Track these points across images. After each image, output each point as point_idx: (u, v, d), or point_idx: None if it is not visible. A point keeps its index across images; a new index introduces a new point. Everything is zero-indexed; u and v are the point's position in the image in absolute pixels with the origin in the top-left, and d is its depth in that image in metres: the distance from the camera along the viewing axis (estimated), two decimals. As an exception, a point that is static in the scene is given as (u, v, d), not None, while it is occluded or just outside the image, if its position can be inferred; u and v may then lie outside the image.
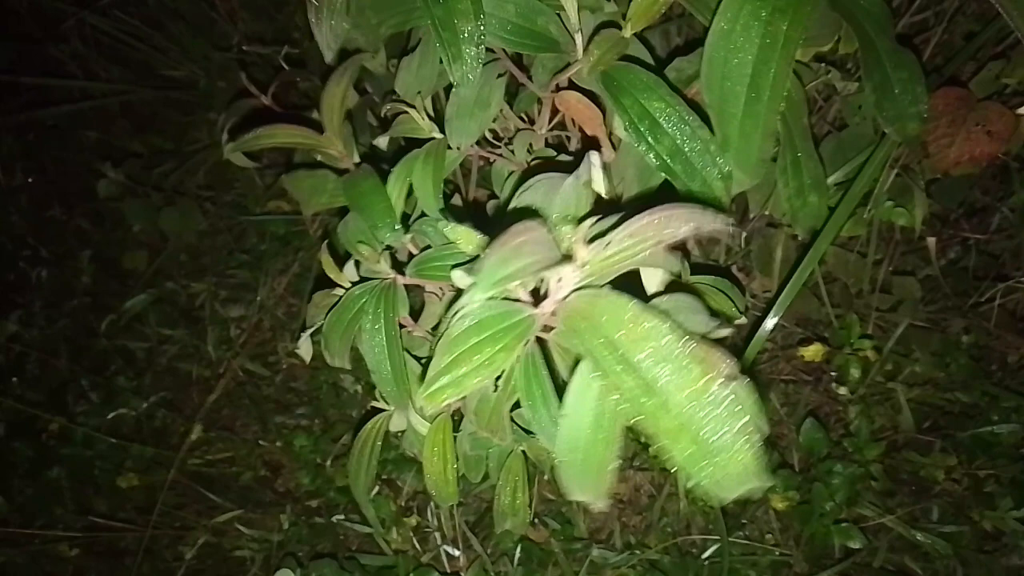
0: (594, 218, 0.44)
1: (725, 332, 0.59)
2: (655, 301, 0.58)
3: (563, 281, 0.43)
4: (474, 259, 0.58)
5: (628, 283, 0.44)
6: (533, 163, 0.93)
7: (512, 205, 0.55)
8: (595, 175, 0.48)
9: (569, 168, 0.54)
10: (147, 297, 1.70)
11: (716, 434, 0.36)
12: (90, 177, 1.73)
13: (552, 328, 0.46)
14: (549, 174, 0.54)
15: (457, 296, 0.61)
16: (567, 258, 0.42)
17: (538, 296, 0.47)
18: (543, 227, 0.41)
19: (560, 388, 0.59)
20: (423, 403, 0.42)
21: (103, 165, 1.69)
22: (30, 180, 1.91)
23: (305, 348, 0.90)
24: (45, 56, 1.82)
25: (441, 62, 0.69)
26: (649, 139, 0.66)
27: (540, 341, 0.55)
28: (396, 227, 0.79)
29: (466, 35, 0.67)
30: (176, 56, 1.78)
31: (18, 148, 1.90)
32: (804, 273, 0.90)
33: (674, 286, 0.68)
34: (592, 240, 0.43)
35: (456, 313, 0.43)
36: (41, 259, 1.82)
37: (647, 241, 0.40)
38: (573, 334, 0.40)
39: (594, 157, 0.49)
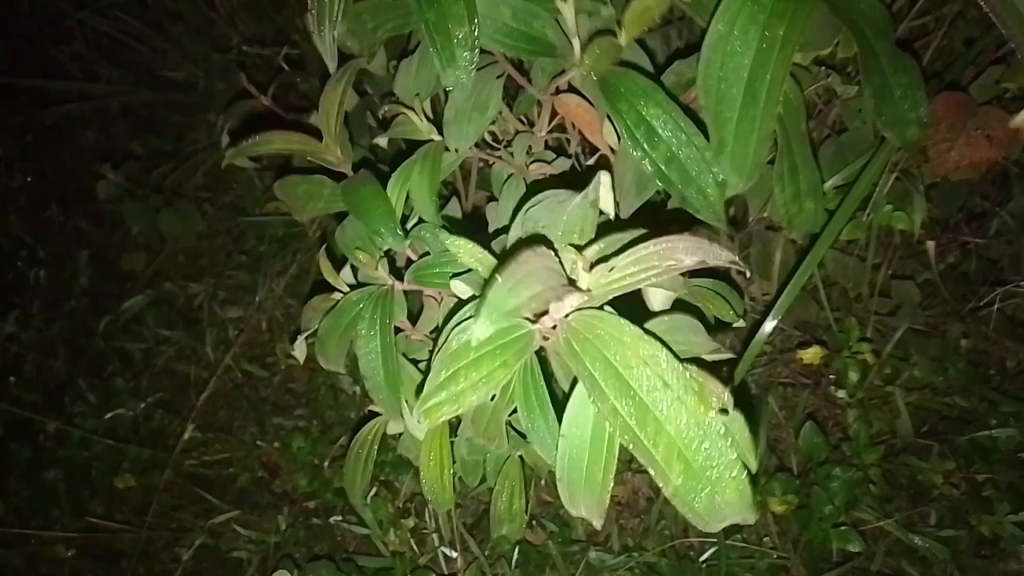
0: (599, 243, 0.43)
1: (724, 356, 0.58)
2: (655, 320, 0.58)
3: (565, 302, 0.43)
4: (470, 270, 0.57)
5: (631, 297, 0.44)
6: (532, 165, 0.92)
7: (517, 222, 0.54)
8: (604, 195, 0.47)
9: (571, 178, 0.53)
10: (145, 298, 1.70)
11: (708, 464, 0.36)
12: (89, 178, 1.73)
13: (550, 338, 0.45)
14: (556, 191, 0.53)
15: (457, 304, 0.60)
16: (571, 282, 0.42)
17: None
18: (550, 253, 0.40)
19: (558, 397, 0.58)
20: (420, 418, 0.42)
21: (102, 166, 1.69)
22: (29, 180, 1.91)
23: (300, 350, 0.90)
24: (45, 57, 1.81)
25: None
26: (645, 146, 0.65)
27: (538, 350, 0.55)
28: (397, 233, 0.78)
29: (459, 39, 0.66)
30: (176, 57, 1.78)
31: (17, 148, 1.90)
32: (803, 276, 0.90)
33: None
34: (596, 263, 0.43)
35: (455, 329, 0.43)
36: (39, 260, 1.82)
37: (651, 269, 0.40)
38: (572, 356, 0.40)
39: (604, 177, 0.48)
